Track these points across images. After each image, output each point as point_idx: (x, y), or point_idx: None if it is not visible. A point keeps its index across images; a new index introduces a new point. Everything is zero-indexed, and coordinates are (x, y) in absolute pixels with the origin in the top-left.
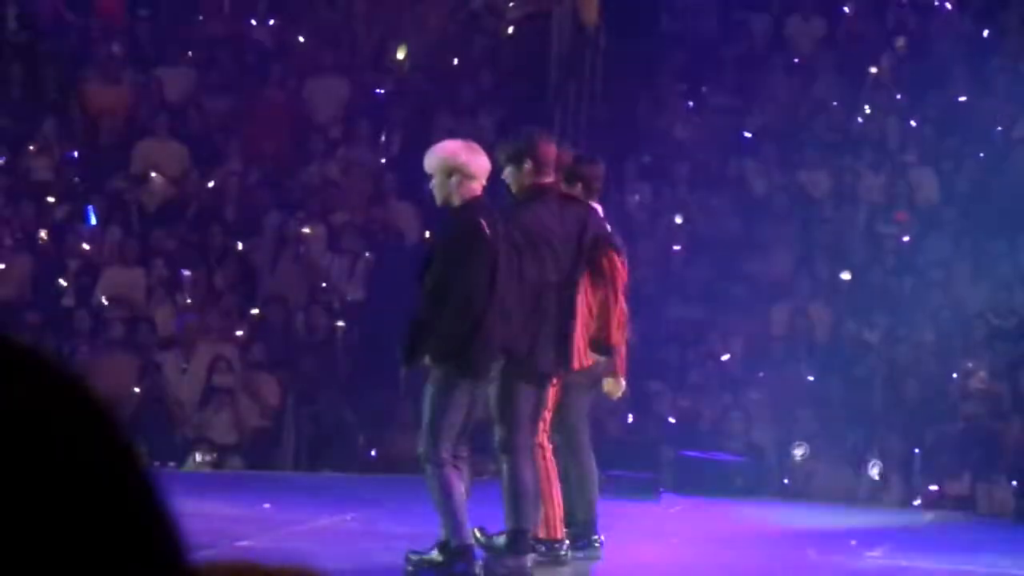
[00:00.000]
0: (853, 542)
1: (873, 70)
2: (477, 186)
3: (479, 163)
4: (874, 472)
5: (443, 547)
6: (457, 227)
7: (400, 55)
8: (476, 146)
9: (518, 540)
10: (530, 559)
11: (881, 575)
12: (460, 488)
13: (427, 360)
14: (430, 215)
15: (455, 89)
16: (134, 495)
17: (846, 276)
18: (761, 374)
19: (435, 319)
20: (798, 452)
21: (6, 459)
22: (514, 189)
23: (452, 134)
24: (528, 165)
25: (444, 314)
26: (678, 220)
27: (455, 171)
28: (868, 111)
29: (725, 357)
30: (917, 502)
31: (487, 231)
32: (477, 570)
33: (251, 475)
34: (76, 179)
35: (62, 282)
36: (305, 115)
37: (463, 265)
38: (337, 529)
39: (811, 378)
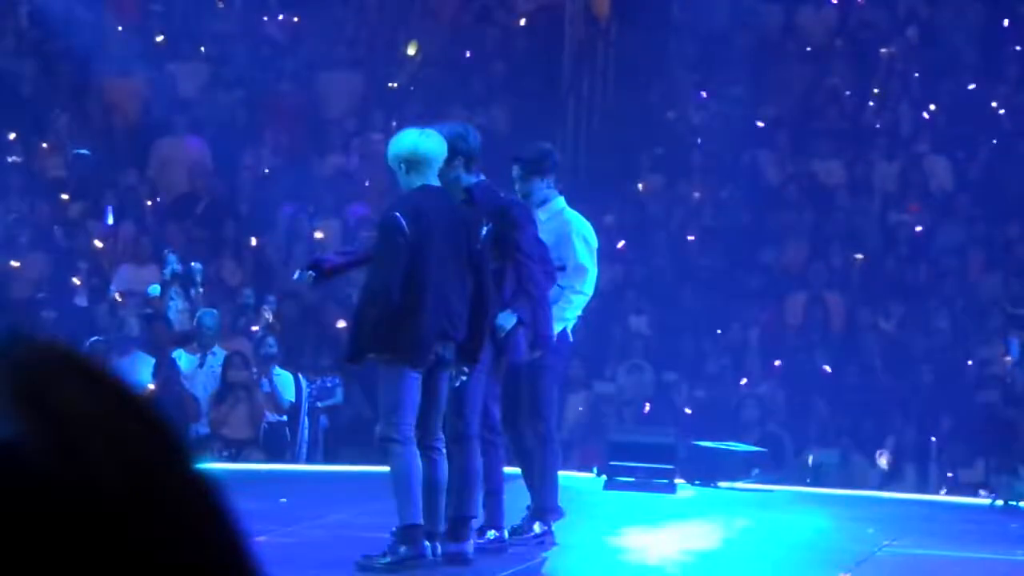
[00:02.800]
0: (870, 531)
1: (884, 50)
2: (427, 174)
3: (432, 149)
4: (883, 462)
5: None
6: (381, 220)
7: (411, 51)
8: (431, 132)
9: (461, 527)
10: (471, 545)
11: (898, 564)
12: (420, 469)
13: (371, 354)
14: None
15: (468, 81)
16: (191, 496)
17: (859, 257)
18: (776, 363)
19: (367, 311)
20: (883, 460)
21: (69, 463)
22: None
23: None
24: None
25: (369, 306)
26: (690, 204)
27: (403, 160)
28: (881, 100)
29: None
30: (936, 489)
31: (405, 222)
32: (424, 553)
33: (267, 470)
34: (88, 176)
35: (75, 280)
36: (318, 109)
37: (377, 257)
38: (354, 523)
39: (826, 367)
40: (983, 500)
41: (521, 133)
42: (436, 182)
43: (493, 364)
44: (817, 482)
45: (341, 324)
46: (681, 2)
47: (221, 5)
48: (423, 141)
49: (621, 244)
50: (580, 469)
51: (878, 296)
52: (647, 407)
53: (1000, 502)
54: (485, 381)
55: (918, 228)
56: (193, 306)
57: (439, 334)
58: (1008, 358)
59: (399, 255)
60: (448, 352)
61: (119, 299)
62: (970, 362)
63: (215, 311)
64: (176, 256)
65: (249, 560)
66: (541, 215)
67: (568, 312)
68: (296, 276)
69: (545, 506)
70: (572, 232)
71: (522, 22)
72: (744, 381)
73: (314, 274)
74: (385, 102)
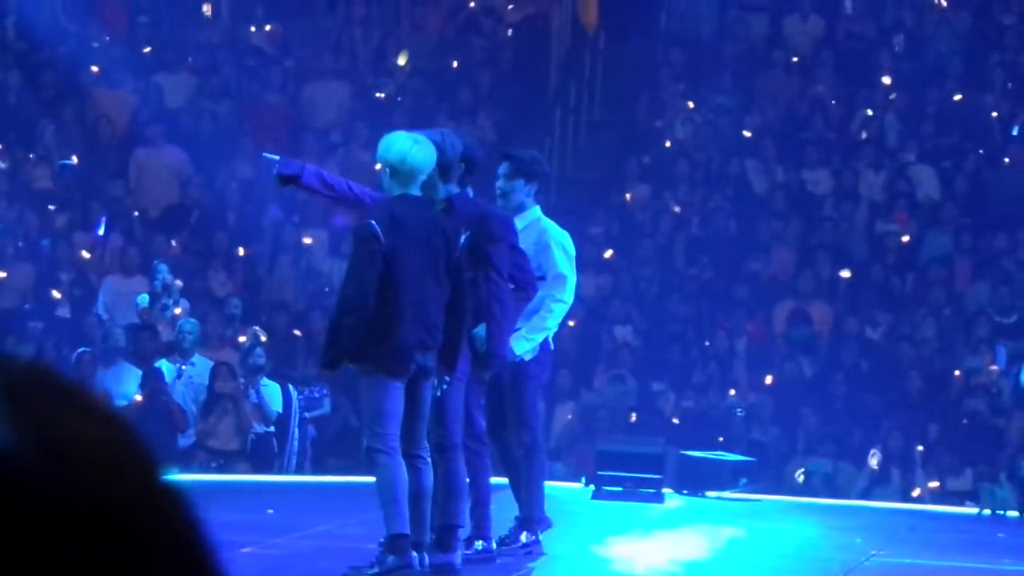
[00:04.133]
0: (858, 540)
1: (887, 81)
2: (409, 185)
3: (421, 161)
4: (874, 462)
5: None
6: (356, 228)
7: (401, 61)
8: (424, 141)
9: (447, 536)
10: (458, 556)
11: (885, 573)
12: (405, 479)
13: (350, 363)
14: None
15: (454, 91)
16: (167, 509)
17: (845, 274)
18: (763, 373)
19: (342, 319)
20: (873, 461)
21: (62, 472)
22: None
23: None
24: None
25: (345, 314)
26: (677, 213)
27: (389, 165)
28: (867, 109)
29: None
30: (916, 493)
31: (381, 231)
32: (411, 563)
33: (255, 481)
34: (75, 187)
35: (55, 293)
36: (305, 119)
37: (352, 266)
38: (341, 534)
39: (813, 376)
40: (970, 510)
41: (508, 143)
42: (417, 191)
43: (474, 373)
44: (807, 491)
45: (262, 337)
46: (669, 12)
47: (208, 12)
48: (414, 153)
49: (608, 254)
50: (568, 479)
51: (865, 305)
52: (633, 416)
53: (987, 511)
54: (465, 390)
55: (905, 238)
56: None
57: (418, 343)
58: (994, 367)
59: (374, 263)
60: (429, 361)
61: (105, 310)
62: (957, 372)
63: (194, 320)
64: (167, 267)
65: (218, 572)
66: (518, 222)
67: (549, 321)
68: (267, 156)
69: (532, 516)
70: (551, 240)
71: (509, 32)
72: (732, 391)
73: (286, 174)
74: (372, 112)
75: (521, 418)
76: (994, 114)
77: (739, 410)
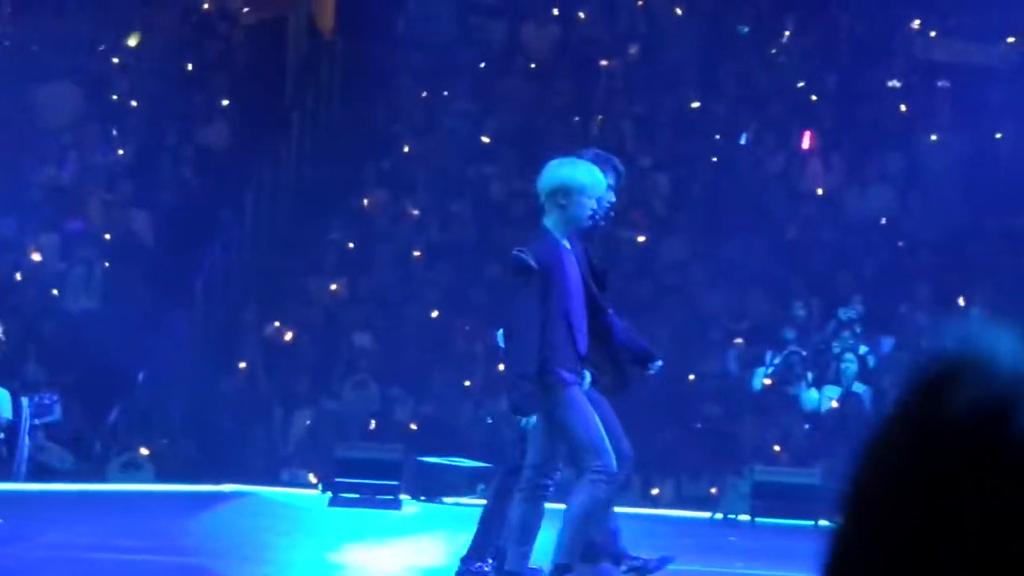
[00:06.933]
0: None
1: (604, 63)
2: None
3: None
4: None
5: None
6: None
7: (132, 42)
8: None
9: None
10: None
11: None
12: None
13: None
14: (163, 222)
15: (188, 94)
16: None
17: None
18: (502, 377)
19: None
20: None
21: None
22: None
23: (185, 139)
24: None
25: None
26: (416, 219)
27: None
28: (604, 115)
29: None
30: (655, 492)
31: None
32: None
33: None
34: None
35: None
36: (36, 121)
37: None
38: (70, 544)
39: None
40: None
41: (244, 147)
42: None
43: None
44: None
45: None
46: (407, 17)
47: None
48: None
49: (346, 259)
50: (305, 486)
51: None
52: (372, 424)
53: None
54: None
55: (641, 238)
56: None
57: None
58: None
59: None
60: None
61: None
62: (692, 376)
63: None
64: None
65: None
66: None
67: None
68: None
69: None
70: None
71: (244, 35)
72: (471, 398)
73: None
74: (106, 114)
75: None
76: (725, 122)
77: (488, 418)
